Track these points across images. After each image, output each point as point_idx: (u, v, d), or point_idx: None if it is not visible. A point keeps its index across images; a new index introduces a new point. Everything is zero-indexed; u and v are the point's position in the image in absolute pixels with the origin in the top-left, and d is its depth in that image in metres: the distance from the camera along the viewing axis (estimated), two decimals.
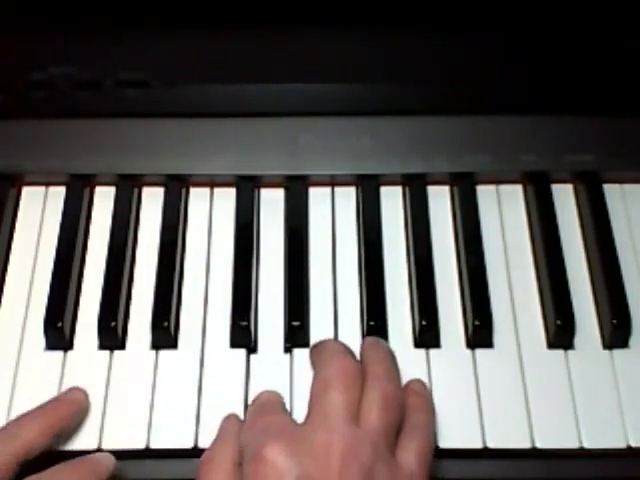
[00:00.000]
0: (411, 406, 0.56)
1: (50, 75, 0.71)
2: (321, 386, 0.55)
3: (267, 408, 0.57)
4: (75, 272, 0.66)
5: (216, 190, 0.71)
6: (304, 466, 0.51)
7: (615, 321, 0.63)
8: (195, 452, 0.59)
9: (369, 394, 0.54)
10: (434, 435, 0.56)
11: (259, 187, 0.71)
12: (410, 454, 0.53)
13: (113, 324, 0.63)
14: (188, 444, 0.59)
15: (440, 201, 0.70)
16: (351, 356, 0.57)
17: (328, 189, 0.71)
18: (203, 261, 0.67)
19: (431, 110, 0.71)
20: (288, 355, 0.63)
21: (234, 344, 0.63)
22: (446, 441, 0.59)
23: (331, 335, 0.64)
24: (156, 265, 0.66)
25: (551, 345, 0.63)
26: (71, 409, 0.59)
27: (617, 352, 0.63)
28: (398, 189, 0.71)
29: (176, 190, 0.70)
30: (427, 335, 0.63)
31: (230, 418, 0.59)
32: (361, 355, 0.59)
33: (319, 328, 0.64)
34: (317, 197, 0.70)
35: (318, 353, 0.59)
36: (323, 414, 0.53)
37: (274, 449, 0.51)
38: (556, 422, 0.60)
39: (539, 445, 0.59)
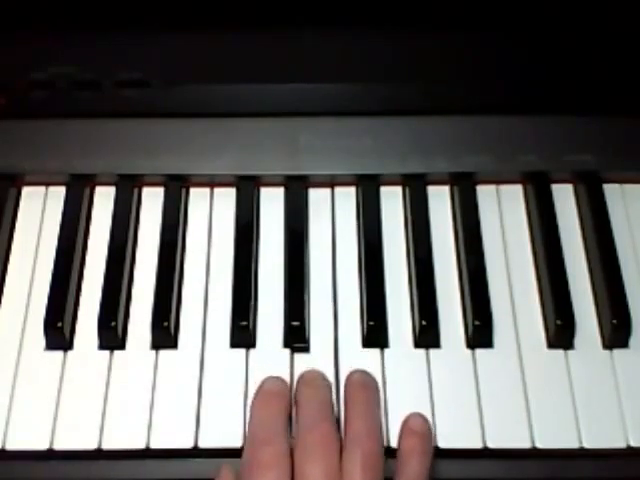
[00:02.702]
0: (406, 451, 0.56)
1: (50, 75, 0.71)
2: (302, 456, 0.55)
3: (264, 457, 0.55)
4: (75, 272, 0.66)
5: (216, 190, 0.71)
6: None
7: (615, 321, 0.63)
8: (195, 452, 0.59)
9: (350, 455, 0.54)
10: None
11: (259, 187, 0.71)
12: None
13: (113, 324, 0.63)
14: (188, 444, 0.59)
15: (440, 201, 0.70)
16: (328, 416, 0.57)
17: (328, 189, 0.71)
18: (203, 261, 0.67)
19: (431, 110, 0.71)
20: (288, 355, 0.63)
21: (234, 344, 0.63)
22: (446, 441, 0.59)
23: (331, 335, 0.64)
24: (156, 265, 0.66)
25: (551, 345, 0.63)
26: None
27: (617, 352, 0.63)
28: (398, 189, 0.71)
29: (176, 190, 0.70)
30: (427, 335, 0.63)
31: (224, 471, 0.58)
32: (345, 394, 0.58)
33: (319, 328, 0.64)
34: (317, 197, 0.70)
35: (299, 402, 0.58)
36: None
37: None
38: (556, 422, 0.60)
39: (539, 445, 0.59)
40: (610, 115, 0.71)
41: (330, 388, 0.60)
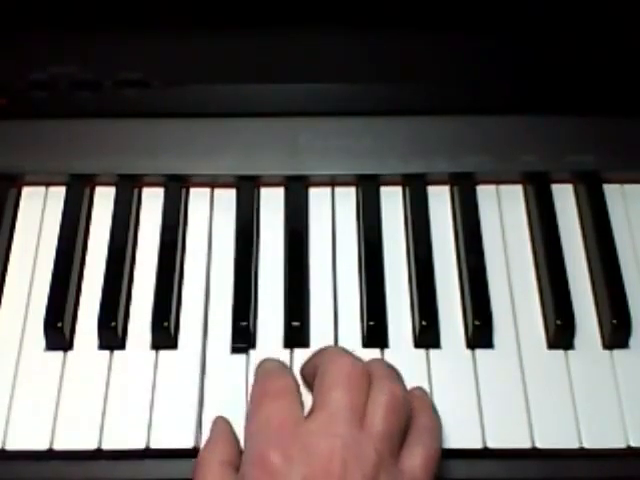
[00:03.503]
0: (417, 409, 0.56)
1: (50, 75, 0.71)
2: (327, 383, 0.54)
3: (278, 387, 0.56)
4: (75, 272, 0.66)
5: (216, 190, 0.71)
6: (305, 473, 0.50)
7: (615, 321, 0.63)
8: (195, 452, 0.59)
9: (376, 395, 0.53)
10: (440, 440, 0.56)
11: (259, 187, 0.71)
12: (415, 459, 0.53)
13: (113, 324, 0.63)
14: (188, 444, 0.59)
15: (440, 201, 0.70)
16: (354, 357, 0.57)
17: (328, 189, 0.71)
18: (203, 261, 0.67)
19: (431, 110, 0.71)
20: (288, 355, 0.63)
21: (234, 344, 0.63)
22: (446, 441, 0.59)
23: (331, 335, 0.64)
24: (156, 265, 0.66)
25: (551, 345, 0.63)
26: None
27: (617, 352, 0.63)
28: (398, 189, 0.71)
29: (176, 190, 0.70)
30: (427, 335, 0.63)
31: (218, 420, 0.59)
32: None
33: (319, 328, 0.64)
34: (317, 197, 0.70)
35: (321, 354, 0.59)
36: (327, 414, 0.52)
37: (275, 455, 0.50)
38: (556, 422, 0.60)
39: (539, 445, 0.59)
40: (610, 115, 0.71)
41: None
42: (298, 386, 0.57)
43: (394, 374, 0.56)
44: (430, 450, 0.54)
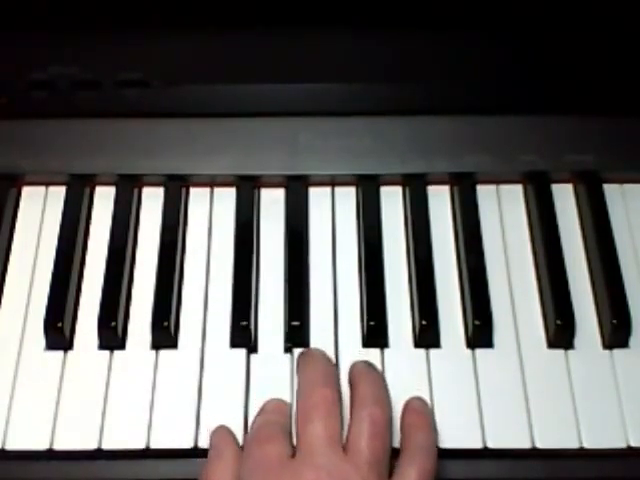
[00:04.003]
0: (411, 425, 0.56)
1: (50, 75, 0.71)
2: (303, 417, 0.55)
3: (267, 432, 0.56)
4: (75, 272, 0.66)
5: (216, 190, 0.71)
6: None
7: (615, 321, 0.63)
8: (195, 452, 0.59)
9: (357, 421, 0.55)
10: (435, 455, 0.56)
11: (259, 187, 0.71)
12: None
13: (113, 324, 0.63)
14: (188, 444, 0.59)
15: (440, 201, 0.70)
16: (330, 383, 0.57)
17: (328, 189, 0.71)
18: (203, 261, 0.67)
19: (431, 110, 0.71)
20: (288, 355, 0.63)
21: (234, 344, 0.63)
22: (446, 441, 0.59)
23: (331, 335, 0.64)
24: (156, 265, 0.66)
25: (551, 345, 0.63)
26: None
27: (617, 352, 0.63)
28: (398, 189, 0.71)
29: (176, 190, 0.70)
30: (427, 335, 0.63)
31: (220, 432, 0.58)
32: (350, 378, 0.59)
33: (319, 328, 0.64)
34: (317, 197, 0.70)
35: (301, 374, 0.59)
36: (308, 447, 0.54)
37: None
38: (556, 422, 0.60)
39: (539, 445, 0.59)
40: (610, 115, 0.71)
41: (332, 362, 0.60)
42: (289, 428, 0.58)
43: (376, 394, 0.57)
44: (424, 472, 0.54)
